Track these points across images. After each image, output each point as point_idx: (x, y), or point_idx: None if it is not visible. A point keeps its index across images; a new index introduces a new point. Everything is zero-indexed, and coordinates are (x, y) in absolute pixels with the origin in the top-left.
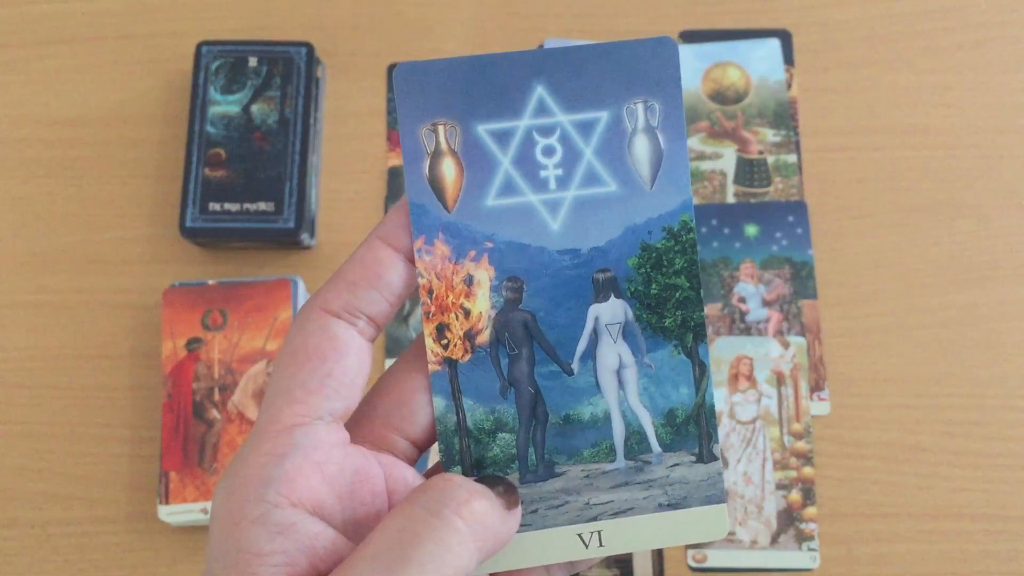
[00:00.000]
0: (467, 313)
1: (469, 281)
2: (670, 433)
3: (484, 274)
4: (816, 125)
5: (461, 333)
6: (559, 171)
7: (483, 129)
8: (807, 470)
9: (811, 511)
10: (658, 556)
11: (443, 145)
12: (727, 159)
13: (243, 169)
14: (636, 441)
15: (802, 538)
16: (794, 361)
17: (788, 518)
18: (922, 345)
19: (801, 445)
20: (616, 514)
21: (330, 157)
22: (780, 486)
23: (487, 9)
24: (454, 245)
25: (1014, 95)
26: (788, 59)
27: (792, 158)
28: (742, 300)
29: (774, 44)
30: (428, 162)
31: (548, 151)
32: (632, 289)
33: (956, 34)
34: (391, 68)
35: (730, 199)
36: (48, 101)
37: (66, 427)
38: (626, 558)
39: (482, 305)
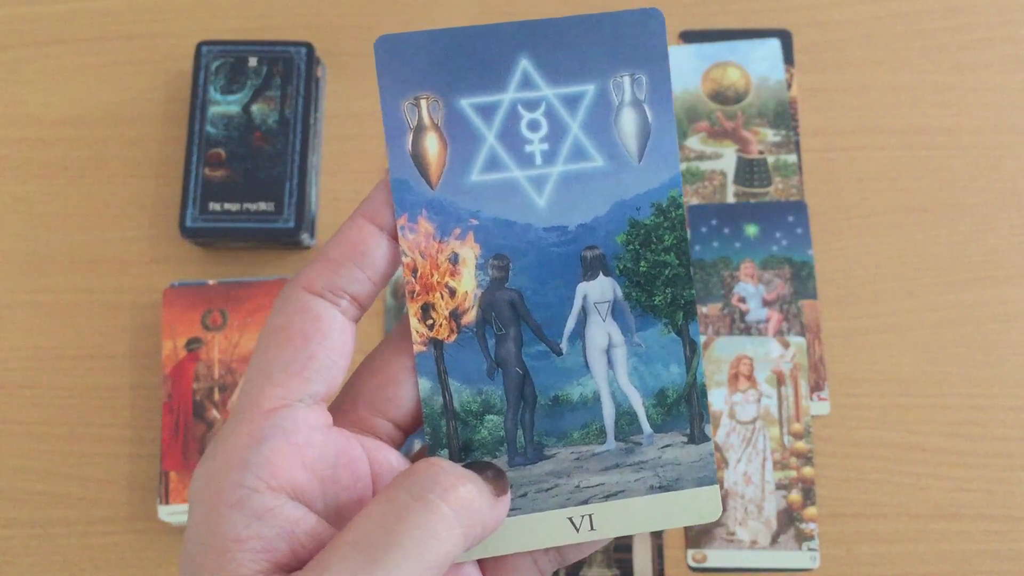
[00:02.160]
0: (452, 292)
1: (454, 259)
2: (661, 413)
3: (469, 252)
4: (816, 125)
5: (446, 313)
6: (545, 146)
7: (467, 103)
8: (807, 470)
9: (811, 511)
10: (658, 556)
11: (426, 119)
12: (727, 159)
13: (243, 169)
14: (626, 422)
15: (802, 538)
16: (794, 361)
17: (788, 518)
18: (922, 345)
19: (801, 445)
20: (607, 497)
21: (330, 157)
22: (780, 486)
23: (487, 9)
24: (438, 222)
25: (1014, 95)
26: (788, 59)
27: (792, 158)
28: (742, 300)
29: (774, 44)
30: (411, 137)
31: (533, 125)
32: (621, 267)
33: (956, 34)
34: None
35: (730, 199)
36: (48, 101)
37: (66, 427)
38: (626, 558)
39: (468, 284)
